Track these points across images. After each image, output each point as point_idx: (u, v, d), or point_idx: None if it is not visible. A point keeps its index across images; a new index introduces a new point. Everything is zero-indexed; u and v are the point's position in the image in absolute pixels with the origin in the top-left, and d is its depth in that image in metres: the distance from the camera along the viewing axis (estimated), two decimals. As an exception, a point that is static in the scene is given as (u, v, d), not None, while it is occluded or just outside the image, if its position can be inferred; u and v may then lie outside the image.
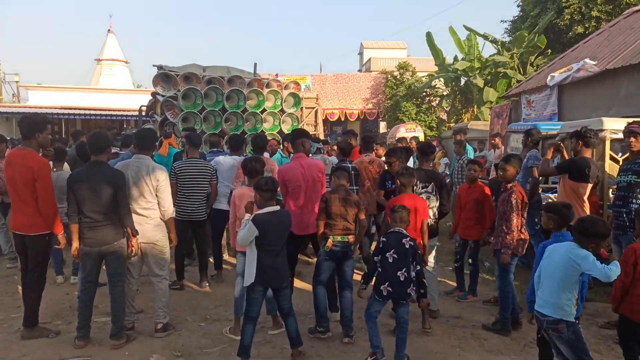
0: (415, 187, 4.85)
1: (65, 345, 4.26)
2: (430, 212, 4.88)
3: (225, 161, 6.14)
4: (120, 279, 4.30)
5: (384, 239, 4.01)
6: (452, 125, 19.85)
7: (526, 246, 4.68)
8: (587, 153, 5.23)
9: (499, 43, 19.50)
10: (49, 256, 4.58)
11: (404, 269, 3.89)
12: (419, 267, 4.00)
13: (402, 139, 11.99)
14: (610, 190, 5.92)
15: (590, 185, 5.17)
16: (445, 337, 4.59)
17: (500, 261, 4.56)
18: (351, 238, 4.45)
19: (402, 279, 3.88)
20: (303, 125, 11.06)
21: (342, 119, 25.44)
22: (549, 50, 18.35)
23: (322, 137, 11.30)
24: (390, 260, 3.90)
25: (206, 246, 6.07)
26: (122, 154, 5.67)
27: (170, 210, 4.49)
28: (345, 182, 4.53)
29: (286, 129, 10.19)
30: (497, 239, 4.67)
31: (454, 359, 4.15)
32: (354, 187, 5.91)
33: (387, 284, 3.89)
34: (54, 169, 5.47)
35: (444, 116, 23.35)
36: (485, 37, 19.52)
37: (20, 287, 4.63)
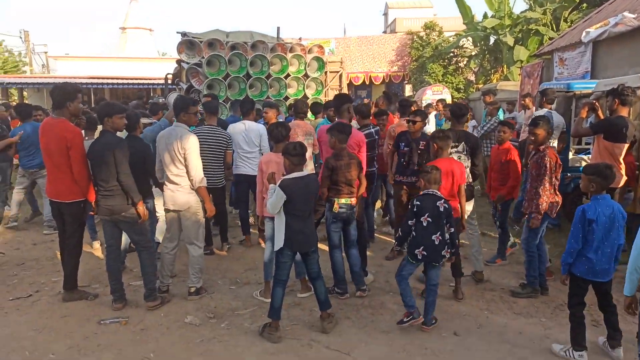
0: None
1: (104, 307, 4.46)
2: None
3: (236, 126, 6.14)
4: (143, 245, 4.45)
5: (418, 202, 3.95)
6: (480, 86, 19.29)
7: (558, 208, 4.59)
8: (624, 112, 5.02)
9: (531, -2, 18.63)
10: (85, 222, 4.74)
11: (439, 233, 3.89)
12: (452, 230, 3.98)
13: (430, 104, 11.75)
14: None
15: (626, 146, 4.99)
16: (474, 299, 4.61)
17: (530, 225, 4.50)
18: (354, 200, 4.50)
19: (436, 242, 3.89)
20: (327, 89, 10.94)
21: (367, 83, 25.00)
22: (584, 5, 17.44)
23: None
24: (425, 224, 3.89)
25: (225, 212, 6.17)
26: (159, 123, 5.73)
27: (197, 178, 4.47)
28: (344, 144, 4.47)
29: (310, 93, 10.10)
30: (529, 202, 4.58)
31: (482, 321, 4.17)
32: (370, 153, 5.82)
33: (421, 248, 3.90)
34: (86, 138, 5.59)
35: (472, 77, 22.67)
36: (516, -8, 18.66)
37: (58, 253, 4.83)
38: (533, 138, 4.56)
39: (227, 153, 5.80)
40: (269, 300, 4.00)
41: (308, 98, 9.68)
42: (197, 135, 5.65)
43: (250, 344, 3.83)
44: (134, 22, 28.98)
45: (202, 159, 5.73)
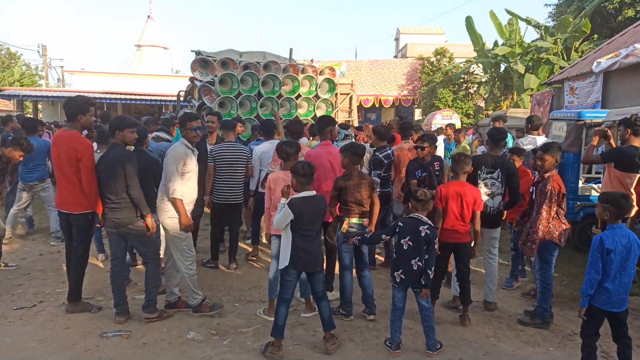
0: (480, 172, 4.77)
1: (107, 319, 4.43)
2: (495, 200, 4.78)
3: (264, 146, 6.17)
4: (150, 258, 4.48)
5: (401, 224, 3.95)
6: (490, 112, 19.34)
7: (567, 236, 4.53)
8: (636, 142, 5.00)
9: (542, 28, 18.78)
10: (92, 234, 4.76)
11: (417, 258, 3.83)
12: (427, 256, 3.86)
13: (440, 128, 11.78)
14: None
15: (638, 176, 4.95)
16: (481, 326, 4.53)
17: (526, 254, 4.45)
18: (366, 221, 4.46)
19: (414, 268, 3.84)
20: (337, 111, 11.00)
21: (377, 106, 25.19)
22: (595, 36, 17.58)
23: (356, 123, 11.22)
24: (405, 248, 3.86)
25: (238, 230, 6.17)
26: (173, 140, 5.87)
27: (170, 188, 4.37)
28: (357, 165, 4.47)
29: (320, 114, 10.17)
30: (530, 229, 4.51)
31: (488, 349, 4.09)
32: (387, 174, 5.86)
33: (400, 271, 3.88)
34: (97, 151, 5.65)
35: (482, 104, 22.77)
36: (527, 21, 18.85)
37: (64, 264, 4.84)
38: (540, 163, 4.53)
39: (248, 167, 5.90)
40: (273, 318, 3.96)
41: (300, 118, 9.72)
42: (218, 152, 5.70)
43: (252, 363, 3.78)
44: (150, 40, 29.54)
45: (223, 175, 5.78)
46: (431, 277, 3.92)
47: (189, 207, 4.50)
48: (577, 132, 6.84)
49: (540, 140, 6.54)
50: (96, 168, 4.39)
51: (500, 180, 4.81)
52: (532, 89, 16.93)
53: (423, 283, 3.88)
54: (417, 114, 24.60)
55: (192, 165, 4.50)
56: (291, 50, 10.70)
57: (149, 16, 29.97)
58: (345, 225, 4.42)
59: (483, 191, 4.82)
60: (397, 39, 33.96)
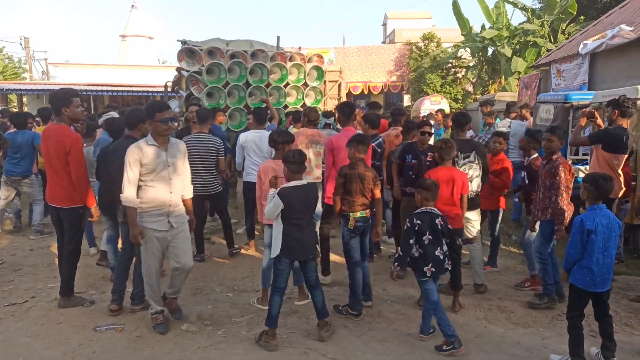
0: (457, 159, 4.77)
1: (100, 313, 4.43)
2: (475, 183, 4.82)
3: (248, 135, 6.18)
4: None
5: (419, 222, 3.88)
6: (478, 97, 19.39)
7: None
8: (624, 123, 5.04)
9: (529, 10, 18.78)
10: (83, 228, 4.73)
11: (439, 247, 3.88)
12: (449, 241, 3.97)
13: (430, 114, 11.77)
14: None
15: (625, 157, 5.00)
16: (472, 309, 4.59)
17: (556, 237, 4.48)
18: (369, 212, 4.46)
19: (441, 257, 3.88)
20: (326, 99, 10.96)
21: (366, 92, 25.10)
22: (582, 17, 17.62)
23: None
24: (427, 242, 3.86)
25: (228, 218, 6.17)
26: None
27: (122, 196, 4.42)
28: (363, 155, 4.43)
29: (310, 102, 10.13)
30: (543, 211, 4.54)
31: (480, 331, 4.16)
32: (379, 162, 5.86)
33: (430, 265, 3.85)
34: (85, 144, 5.58)
35: (470, 88, 22.80)
36: (514, 4, 18.81)
37: (56, 259, 4.81)
38: (546, 144, 4.54)
39: (220, 160, 5.85)
40: (267, 307, 3.98)
41: (287, 107, 9.71)
42: (186, 143, 5.63)
43: (247, 352, 3.80)
44: (135, 30, 29.12)
45: (191, 167, 5.76)
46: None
47: (159, 210, 3.99)
48: (564, 115, 6.90)
49: (514, 123, 7.77)
50: (110, 159, 4.37)
51: (476, 161, 4.86)
52: (520, 72, 16.98)
53: (449, 269, 3.97)
54: (406, 100, 24.57)
55: (155, 164, 3.93)
56: (278, 38, 10.61)
57: (133, 5, 29.49)
58: (351, 222, 4.37)
59: (473, 174, 4.85)
60: (384, 25, 33.81)
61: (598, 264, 3.40)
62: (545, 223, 4.52)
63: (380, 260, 5.97)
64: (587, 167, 6.38)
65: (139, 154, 3.88)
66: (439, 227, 3.89)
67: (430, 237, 3.86)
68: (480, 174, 4.87)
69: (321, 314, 4.01)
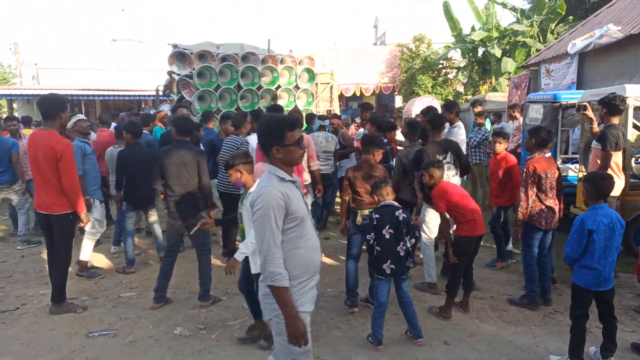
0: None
1: (92, 319, 4.41)
2: (453, 181, 4.87)
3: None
4: (206, 249, 4.78)
5: (377, 216, 3.83)
6: (469, 97, 19.49)
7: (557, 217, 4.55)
8: (615, 121, 5.06)
9: (518, 11, 18.91)
10: (73, 234, 4.70)
11: (402, 243, 3.76)
12: (413, 240, 3.84)
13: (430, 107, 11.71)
14: (633, 159, 5.78)
15: (619, 153, 5.01)
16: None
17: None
18: None
19: (402, 254, 3.77)
20: (318, 101, 10.98)
21: (358, 94, 25.15)
22: (570, 17, 17.75)
23: (338, 112, 11.21)
24: (388, 237, 3.77)
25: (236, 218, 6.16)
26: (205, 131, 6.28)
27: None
28: (370, 157, 4.48)
29: (301, 105, 10.15)
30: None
31: (472, 330, 4.18)
32: (387, 164, 5.86)
33: (388, 262, 3.76)
34: (115, 145, 6.06)
35: (461, 88, 22.90)
36: (503, 4, 18.94)
37: (47, 265, 4.78)
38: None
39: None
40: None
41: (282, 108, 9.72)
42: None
43: (240, 355, 3.80)
44: (125, 34, 29.05)
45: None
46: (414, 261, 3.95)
47: (312, 278, 2.67)
48: (553, 114, 6.95)
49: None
50: (166, 163, 4.58)
51: (453, 162, 4.95)
52: (510, 73, 17.08)
53: (411, 267, 3.86)
54: (398, 101, 24.64)
55: (303, 212, 2.58)
56: (269, 40, 10.63)
57: (123, 10, 29.44)
58: (359, 218, 4.44)
59: (451, 174, 4.97)
60: (375, 26, 33.90)
61: (600, 263, 3.36)
62: (524, 230, 4.52)
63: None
64: (577, 165, 6.44)
65: (284, 198, 2.43)
66: (400, 219, 3.78)
67: (391, 231, 3.76)
68: (457, 174, 5.02)
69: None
